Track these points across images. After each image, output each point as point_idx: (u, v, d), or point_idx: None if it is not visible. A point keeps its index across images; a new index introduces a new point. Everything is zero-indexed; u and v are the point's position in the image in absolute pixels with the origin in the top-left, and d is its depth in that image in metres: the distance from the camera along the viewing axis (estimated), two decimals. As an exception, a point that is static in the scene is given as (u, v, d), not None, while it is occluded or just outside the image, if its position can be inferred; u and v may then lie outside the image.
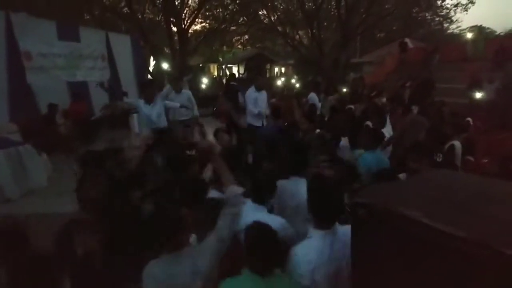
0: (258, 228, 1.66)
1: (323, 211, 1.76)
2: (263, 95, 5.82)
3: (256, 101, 5.61)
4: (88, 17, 14.27)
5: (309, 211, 1.82)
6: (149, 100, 4.85)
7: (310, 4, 16.08)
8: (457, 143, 3.81)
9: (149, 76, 16.42)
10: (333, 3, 16.07)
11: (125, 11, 14.47)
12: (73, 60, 7.86)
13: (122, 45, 9.69)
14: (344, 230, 1.61)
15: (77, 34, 8.06)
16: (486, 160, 4.32)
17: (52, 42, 7.24)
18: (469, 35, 14.14)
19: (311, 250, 1.69)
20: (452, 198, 1.17)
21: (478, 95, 7.94)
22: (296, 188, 2.32)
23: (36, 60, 6.83)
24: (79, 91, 7.90)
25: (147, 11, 16.59)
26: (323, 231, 1.73)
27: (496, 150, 4.47)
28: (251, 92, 5.68)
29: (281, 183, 2.35)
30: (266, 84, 7.66)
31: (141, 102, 4.94)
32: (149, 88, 5.07)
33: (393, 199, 1.16)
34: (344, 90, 10.39)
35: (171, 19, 14.12)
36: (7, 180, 4.70)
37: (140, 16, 15.05)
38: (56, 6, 10.92)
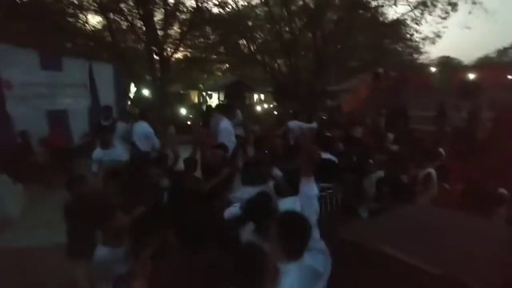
0: None
1: (297, 244, 1.74)
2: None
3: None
4: (71, 45, 14.27)
5: (282, 245, 1.73)
6: (106, 146, 4.25)
7: (287, 35, 16.87)
8: (432, 171, 4.04)
9: (129, 103, 16.40)
10: (309, 34, 16.89)
11: (108, 40, 14.60)
12: (54, 89, 7.83)
13: (105, 74, 9.73)
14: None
15: (60, 63, 8.09)
16: (460, 187, 4.57)
17: (34, 71, 7.23)
18: (436, 66, 15.30)
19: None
20: (427, 234, 1.31)
21: (445, 123, 8.51)
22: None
23: (17, 89, 6.75)
24: (58, 119, 7.80)
25: (129, 40, 16.76)
26: (294, 262, 1.69)
27: (468, 177, 4.73)
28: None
29: None
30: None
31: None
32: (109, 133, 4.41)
33: (374, 237, 1.29)
34: (323, 118, 10.75)
35: (153, 49, 14.35)
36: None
37: (122, 45, 15.19)
38: (40, 36, 10.92)
